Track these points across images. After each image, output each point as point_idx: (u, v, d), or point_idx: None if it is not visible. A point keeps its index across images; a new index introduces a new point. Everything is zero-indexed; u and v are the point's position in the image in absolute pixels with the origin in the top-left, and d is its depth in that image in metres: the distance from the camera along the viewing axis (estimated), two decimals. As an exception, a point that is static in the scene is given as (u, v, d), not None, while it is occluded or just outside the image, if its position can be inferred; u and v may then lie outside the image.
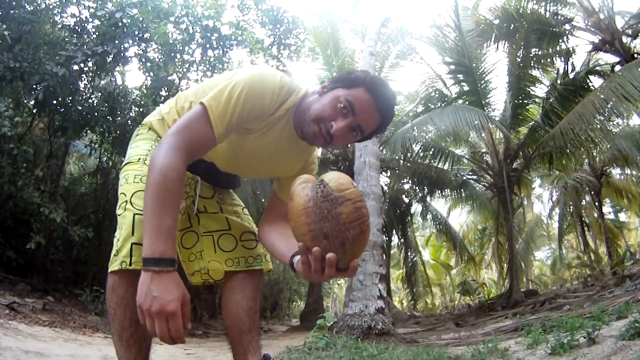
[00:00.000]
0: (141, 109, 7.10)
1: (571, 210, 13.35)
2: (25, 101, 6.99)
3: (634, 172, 12.52)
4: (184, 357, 3.97)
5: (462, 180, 11.27)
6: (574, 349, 2.12)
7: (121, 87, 8.05)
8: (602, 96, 7.02)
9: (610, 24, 8.68)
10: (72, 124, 6.54)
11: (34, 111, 6.94)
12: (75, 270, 7.67)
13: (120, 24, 6.02)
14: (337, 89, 1.10)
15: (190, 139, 1.02)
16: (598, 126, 7.79)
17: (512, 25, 9.06)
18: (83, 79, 7.22)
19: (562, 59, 9.28)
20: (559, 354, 2.12)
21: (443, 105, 9.15)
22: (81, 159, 10.48)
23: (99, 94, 7.59)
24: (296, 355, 3.24)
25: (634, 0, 14.86)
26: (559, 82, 8.91)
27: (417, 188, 11.79)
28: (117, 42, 6.08)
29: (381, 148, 8.58)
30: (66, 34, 6.80)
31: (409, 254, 13.08)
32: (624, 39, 8.74)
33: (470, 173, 11.70)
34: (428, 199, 12.17)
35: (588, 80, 8.87)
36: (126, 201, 1.10)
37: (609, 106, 7.05)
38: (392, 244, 14.11)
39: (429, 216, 12.63)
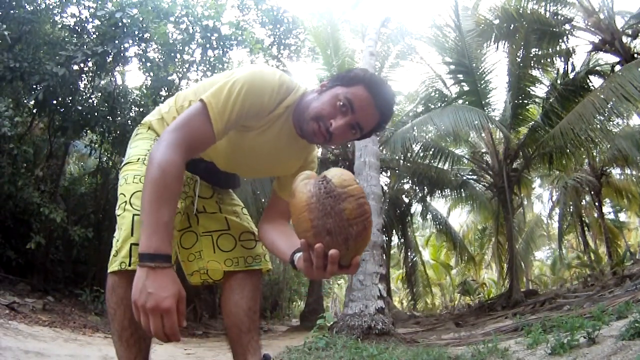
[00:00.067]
0: (141, 109, 7.10)
1: (571, 210, 13.35)
2: (25, 101, 6.99)
3: (634, 172, 12.52)
4: (184, 357, 3.97)
5: (462, 180, 11.27)
6: (574, 349, 2.12)
7: (121, 87, 8.05)
8: (602, 96, 7.02)
9: (610, 24, 8.68)
10: (72, 124, 6.54)
11: (34, 111, 6.94)
12: (75, 270, 7.67)
13: (120, 24, 6.02)
14: (336, 87, 1.10)
15: (189, 135, 1.02)
16: (598, 126, 7.79)
17: (512, 25, 9.06)
18: (83, 79, 7.23)
19: (562, 59, 9.29)
20: (559, 354, 2.12)
21: (443, 105, 9.15)
22: (81, 159, 10.48)
23: (99, 94, 7.59)
24: (296, 355, 3.23)
25: (634, 0, 14.88)
26: (559, 82, 8.91)
27: (417, 188, 11.79)
28: (117, 42, 6.08)
29: (381, 148, 8.58)
30: (66, 34, 6.81)
31: (409, 254, 13.08)
32: (624, 39, 8.74)
33: (470, 173, 11.70)
34: (428, 199, 12.18)
35: (588, 80, 8.88)
36: (125, 202, 1.10)
37: (609, 106, 7.05)
38: (392, 244, 14.11)
39: (429, 216, 12.63)
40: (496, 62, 10.41)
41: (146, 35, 6.32)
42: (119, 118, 7.12)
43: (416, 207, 13.02)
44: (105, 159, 7.97)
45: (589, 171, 12.51)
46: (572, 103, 8.31)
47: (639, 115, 10.13)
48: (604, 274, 10.67)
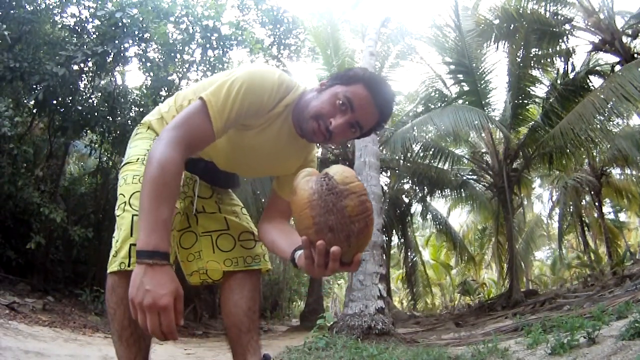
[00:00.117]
0: (141, 109, 7.10)
1: (571, 210, 13.35)
2: (25, 101, 6.99)
3: (634, 172, 12.52)
4: (184, 357, 3.97)
5: (462, 180, 11.27)
6: (574, 349, 2.11)
7: (121, 87, 8.05)
8: (602, 96, 7.02)
9: (610, 24, 8.68)
10: (72, 124, 6.54)
11: (34, 111, 6.93)
12: (75, 270, 7.67)
13: (120, 24, 6.02)
14: (335, 85, 1.10)
15: (189, 133, 1.02)
16: (598, 126, 7.79)
17: (512, 25, 9.06)
18: (83, 79, 7.23)
19: (562, 59, 9.29)
20: (559, 354, 2.11)
21: (443, 105, 9.15)
22: (81, 159, 10.48)
23: (99, 94, 7.59)
24: (296, 355, 3.23)
25: (634, 0, 14.87)
26: (559, 82, 8.91)
27: (417, 188, 11.79)
28: (117, 42, 6.08)
29: (381, 148, 8.58)
30: (66, 34, 6.81)
31: (409, 254, 13.08)
32: (624, 39, 8.74)
33: (470, 173, 11.70)
34: (428, 199, 12.18)
35: (588, 80, 8.88)
36: (125, 202, 1.09)
37: (609, 106, 7.05)
38: (392, 244, 14.11)
39: (429, 216, 12.63)
40: (496, 62, 10.39)
41: (146, 35, 6.32)
42: (119, 118, 7.12)
43: (416, 207, 13.04)
44: (105, 159, 7.96)
45: (589, 171, 12.51)
46: (572, 103, 8.31)
47: (639, 115, 10.13)
48: (604, 274, 10.67)
